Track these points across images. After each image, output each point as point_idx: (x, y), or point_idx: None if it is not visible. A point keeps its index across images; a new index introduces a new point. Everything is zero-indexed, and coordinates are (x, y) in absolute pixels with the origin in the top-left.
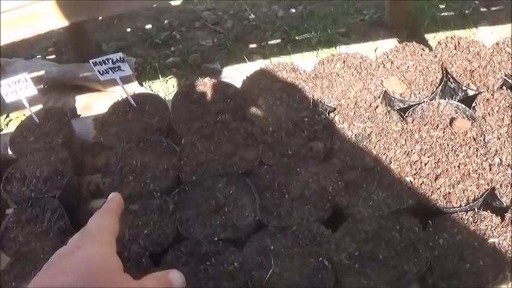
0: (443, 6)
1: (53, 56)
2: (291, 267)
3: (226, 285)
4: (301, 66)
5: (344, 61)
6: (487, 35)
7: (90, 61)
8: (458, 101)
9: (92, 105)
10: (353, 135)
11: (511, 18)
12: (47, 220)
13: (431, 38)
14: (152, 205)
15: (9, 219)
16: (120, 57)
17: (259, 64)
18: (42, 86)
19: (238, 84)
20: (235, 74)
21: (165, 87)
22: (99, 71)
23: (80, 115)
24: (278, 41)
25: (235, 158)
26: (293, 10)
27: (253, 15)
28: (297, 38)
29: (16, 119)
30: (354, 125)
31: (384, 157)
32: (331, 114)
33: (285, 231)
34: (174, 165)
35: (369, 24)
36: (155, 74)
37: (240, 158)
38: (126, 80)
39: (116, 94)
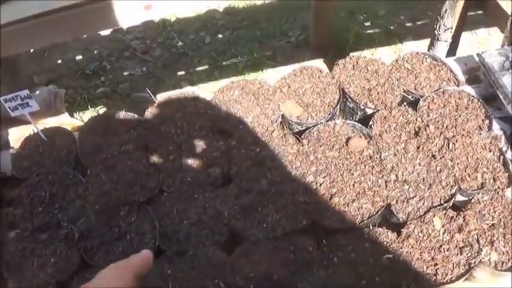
0: (368, 24)
1: None
2: None
3: None
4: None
5: (242, 88)
6: (413, 50)
7: (1, 98)
8: (358, 120)
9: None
10: (249, 160)
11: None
12: None
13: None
14: (59, 234)
15: None
16: (27, 94)
17: (186, 90)
18: None
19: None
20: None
21: None
22: (9, 108)
23: (13, 147)
24: (206, 67)
25: (136, 187)
26: (220, 36)
27: (181, 43)
28: (224, 63)
29: None
30: (250, 149)
31: (278, 179)
32: (229, 140)
33: (182, 255)
34: (80, 195)
35: (295, 46)
36: (85, 104)
37: (141, 186)
38: (57, 112)
39: (48, 126)
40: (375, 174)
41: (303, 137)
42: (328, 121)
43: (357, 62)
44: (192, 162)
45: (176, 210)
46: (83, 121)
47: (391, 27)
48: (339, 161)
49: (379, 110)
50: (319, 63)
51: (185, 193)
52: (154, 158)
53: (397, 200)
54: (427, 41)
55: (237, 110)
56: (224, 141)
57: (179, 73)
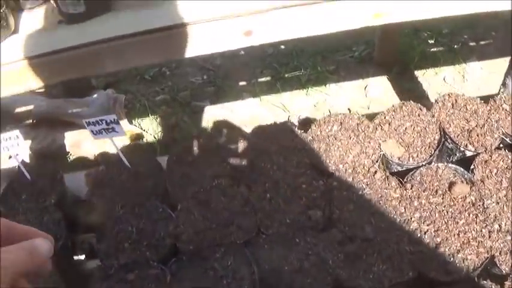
0: (433, 42)
1: (42, 90)
2: None
3: None
4: (291, 105)
5: (341, 123)
6: (476, 71)
7: (84, 121)
8: (456, 161)
9: (81, 142)
10: (351, 203)
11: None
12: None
13: (421, 74)
14: (149, 275)
15: None
16: (114, 119)
17: (248, 102)
18: (30, 121)
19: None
20: (225, 113)
21: (155, 126)
22: (92, 131)
23: (69, 152)
24: (268, 78)
25: (232, 227)
26: (283, 47)
27: (243, 52)
28: (286, 75)
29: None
30: (352, 192)
31: (383, 227)
32: (330, 180)
33: None
34: (171, 232)
35: (359, 61)
36: (145, 111)
37: (237, 227)
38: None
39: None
40: (479, 224)
41: (405, 180)
42: (429, 163)
43: (456, 101)
44: (290, 202)
45: (276, 254)
46: (141, 128)
47: (455, 46)
48: (442, 207)
49: (479, 154)
50: (383, 80)
51: (285, 236)
52: (250, 195)
53: (500, 251)
54: (490, 62)
55: (336, 147)
56: (324, 181)
57: (240, 83)
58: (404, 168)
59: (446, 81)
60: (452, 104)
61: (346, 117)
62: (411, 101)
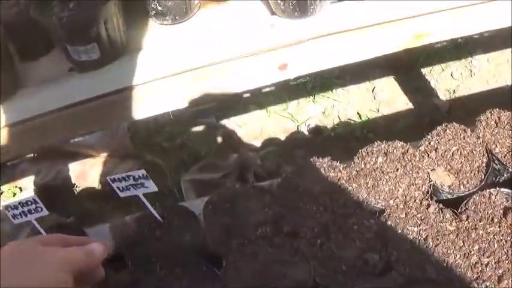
0: None
1: None
2: None
3: None
4: (299, 114)
5: (386, 153)
6: (483, 63)
7: (108, 178)
8: (503, 182)
9: (87, 173)
10: (408, 242)
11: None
12: None
13: (428, 72)
14: None
15: None
16: (143, 174)
17: (255, 115)
18: (32, 155)
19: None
20: (233, 127)
21: (160, 149)
22: (118, 188)
23: (75, 184)
24: (272, 88)
25: (286, 281)
26: None
27: None
28: (291, 83)
29: (8, 191)
30: (407, 229)
31: (444, 264)
32: (382, 218)
33: None
34: None
35: (364, 64)
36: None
37: (291, 279)
38: (120, 145)
39: (107, 161)
40: None
41: (460, 211)
42: (480, 189)
43: (499, 118)
44: (343, 246)
45: None
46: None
47: (459, 40)
48: (501, 237)
49: None
50: (390, 80)
51: (343, 285)
52: (299, 243)
53: None
54: (497, 54)
55: (384, 181)
56: (375, 220)
57: (245, 96)
58: (454, 196)
59: (453, 77)
60: (496, 123)
61: (390, 147)
62: (454, 123)
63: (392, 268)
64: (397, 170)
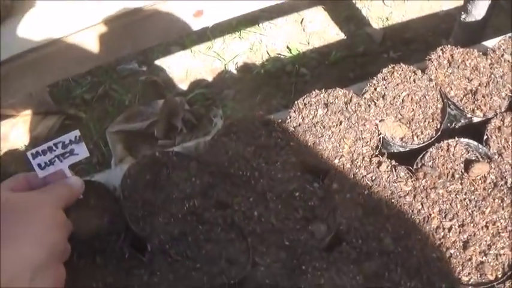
0: None
1: None
2: None
3: None
4: (225, 52)
5: (326, 104)
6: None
7: (28, 154)
8: (460, 130)
9: (8, 134)
10: (359, 208)
11: None
12: None
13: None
14: None
15: None
16: (75, 137)
17: (179, 56)
18: None
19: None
20: (157, 71)
21: (82, 100)
22: (39, 166)
23: None
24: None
25: (221, 263)
26: None
27: None
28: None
29: None
30: (357, 192)
31: (402, 232)
32: (326, 181)
33: None
34: (146, 284)
35: None
36: (69, 86)
37: (227, 261)
38: (39, 101)
39: (29, 119)
40: (506, 209)
41: (416, 167)
42: (436, 140)
43: (452, 56)
44: (285, 217)
45: None
46: (74, 109)
47: None
48: (463, 195)
49: (490, 119)
50: (319, 10)
51: (287, 265)
52: (234, 216)
53: None
54: None
55: (327, 137)
56: (320, 184)
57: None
58: (408, 150)
59: (385, 4)
60: (449, 62)
61: (330, 96)
62: (402, 64)
63: (343, 240)
64: (341, 123)
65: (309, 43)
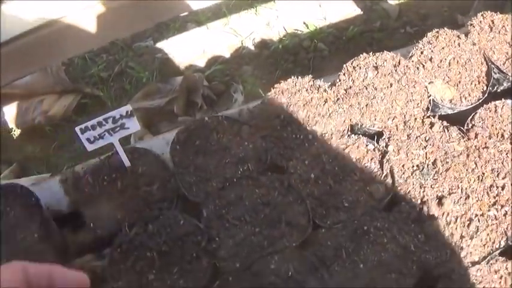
0: None
1: None
2: None
3: None
4: (241, 28)
5: (375, 67)
6: None
7: (77, 129)
8: (503, 92)
9: (24, 114)
10: (415, 167)
11: None
12: None
13: None
14: None
15: None
16: (127, 112)
17: (195, 33)
18: None
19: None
20: (173, 50)
21: (99, 79)
22: (88, 140)
23: (12, 129)
24: (211, 3)
25: (281, 226)
26: None
27: None
28: None
29: None
30: (412, 153)
31: (459, 191)
32: (381, 143)
33: None
34: (204, 249)
35: None
36: (85, 64)
37: (287, 224)
38: (55, 79)
39: (45, 100)
40: None
41: (467, 128)
42: (484, 102)
43: (493, 22)
44: (342, 179)
45: (345, 252)
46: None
47: None
48: None
49: None
50: None
51: (349, 226)
52: (290, 179)
53: None
54: None
55: (379, 99)
56: (375, 145)
57: (182, 14)
58: (456, 111)
59: None
60: (490, 27)
61: (379, 59)
62: (446, 28)
63: (401, 200)
64: (391, 85)
65: (325, 18)
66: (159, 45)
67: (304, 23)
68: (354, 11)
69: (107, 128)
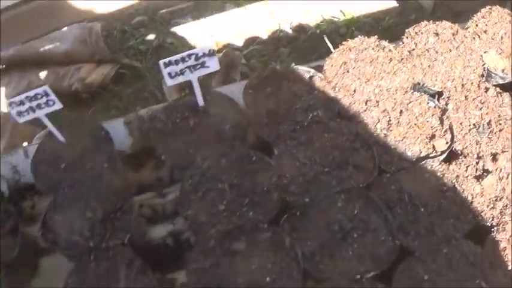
0: None
1: None
2: None
3: None
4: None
5: (436, 33)
6: None
7: (161, 62)
8: None
9: (61, 81)
10: (472, 126)
11: None
12: (123, 278)
13: None
14: (261, 240)
15: (69, 282)
16: (209, 51)
17: (233, 14)
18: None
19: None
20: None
21: (137, 52)
22: (169, 74)
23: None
24: None
25: (349, 169)
26: None
27: None
28: None
29: None
30: (469, 112)
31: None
32: (441, 101)
33: (433, 254)
34: (275, 184)
35: None
36: (123, 36)
37: (354, 167)
38: (95, 49)
39: (83, 67)
40: None
41: None
42: None
43: None
44: (407, 131)
45: (408, 196)
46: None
47: None
48: None
49: None
50: None
51: (411, 172)
52: (357, 127)
53: None
54: None
55: (440, 61)
56: (435, 103)
57: None
58: (506, 82)
59: None
60: None
61: (439, 27)
62: (497, 6)
63: (459, 154)
64: (450, 51)
65: (362, 9)
66: (197, 23)
67: (341, 11)
68: (390, 2)
69: (189, 65)
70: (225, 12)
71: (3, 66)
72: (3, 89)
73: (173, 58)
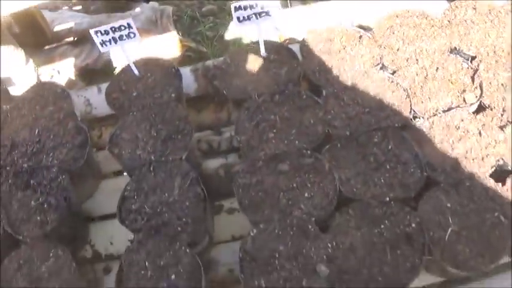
0: None
1: (79, 7)
2: (468, 225)
3: (405, 248)
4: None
5: (474, 8)
6: None
7: (232, 5)
8: None
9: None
10: (500, 85)
11: None
12: (178, 187)
13: None
14: (304, 164)
15: (128, 188)
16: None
17: (297, 10)
18: (71, 39)
19: None
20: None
21: (204, 37)
22: (238, 18)
23: (115, 68)
24: None
25: (387, 111)
26: None
27: None
28: None
29: (45, 73)
30: (498, 74)
31: None
32: (474, 63)
33: (457, 187)
34: (321, 119)
35: None
36: (192, 22)
37: (392, 111)
38: (163, 30)
39: (153, 40)
40: None
41: None
42: None
43: None
44: (442, 85)
45: (438, 139)
46: (193, 40)
47: None
48: None
49: None
50: None
51: (442, 120)
52: (398, 78)
53: None
54: None
55: (475, 30)
56: (469, 64)
57: None
58: None
59: None
60: None
61: (478, 3)
62: None
63: (486, 107)
64: (485, 22)
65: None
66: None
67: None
68: None
69: (255, 12)
70: (289, 8)
71: (75, 38)
72: (71, 60)
73: (243, 3)
